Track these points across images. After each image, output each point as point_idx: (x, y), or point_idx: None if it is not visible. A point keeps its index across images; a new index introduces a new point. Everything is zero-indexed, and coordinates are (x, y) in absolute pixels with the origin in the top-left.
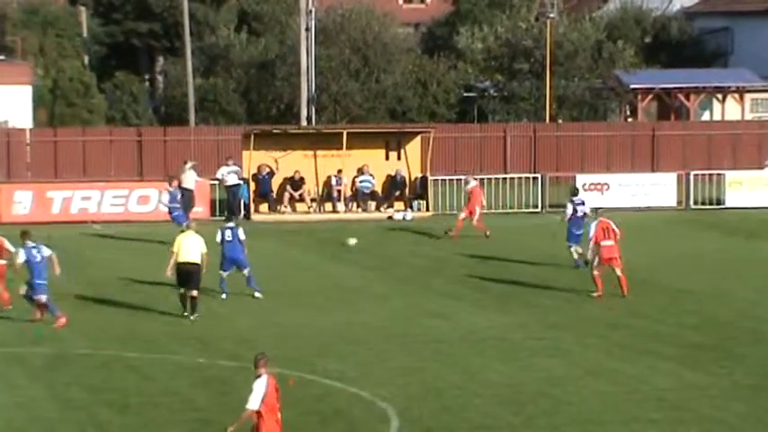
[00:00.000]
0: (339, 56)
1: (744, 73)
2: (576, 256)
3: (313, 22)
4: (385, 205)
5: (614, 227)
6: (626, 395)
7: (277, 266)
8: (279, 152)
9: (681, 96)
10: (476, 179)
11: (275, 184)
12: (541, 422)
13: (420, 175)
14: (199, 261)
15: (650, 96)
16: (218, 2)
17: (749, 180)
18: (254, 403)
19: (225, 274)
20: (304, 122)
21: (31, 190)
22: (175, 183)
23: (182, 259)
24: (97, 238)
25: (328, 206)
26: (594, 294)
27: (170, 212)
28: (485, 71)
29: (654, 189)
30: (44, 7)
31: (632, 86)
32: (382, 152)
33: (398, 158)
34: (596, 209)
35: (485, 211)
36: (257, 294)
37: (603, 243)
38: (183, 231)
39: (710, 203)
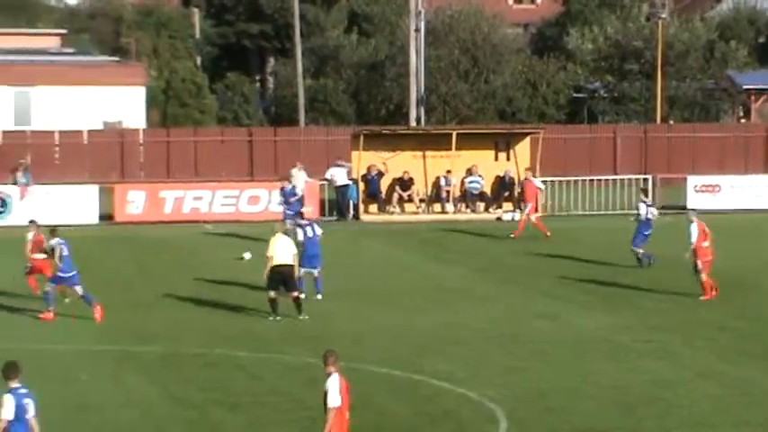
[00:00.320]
0: (448, 56)
1: None
2: (639, 255)
3: (422, 22)
4: (494, 206)
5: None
6: (736, 398)
7: (382, 267)
8: (388, 153)
9: None
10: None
11: (384, 184)
12: (651, 425)
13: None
14: (292, 262)
15: (764, 97)
16: (329, 3)
17: None
18: (335, 400)
19: (304, 271)
20: (413, 123)
21: (143, 190)
22: (287, 183)
23: (277, 262)
24: (210, 237)
25: (437, 207)
26: (704, 297)
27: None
28: (595, 72)
29: None
30: (158, 9)
31: (745, 87)
32: (491, 153)
33: (507, 159)
34: (692, 210)
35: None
36: (318, 296)
37: (704, 245)
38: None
39: None
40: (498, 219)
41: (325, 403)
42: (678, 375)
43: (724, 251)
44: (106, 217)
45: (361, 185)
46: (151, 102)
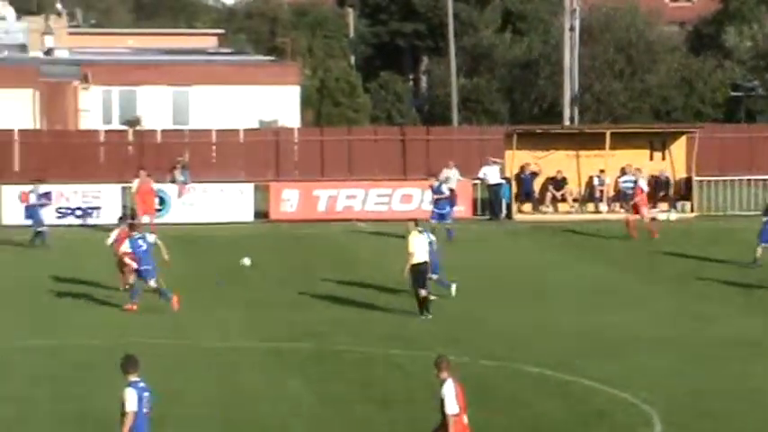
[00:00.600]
0: (603, 55)
1: None
2: (758, 254)
3: (577, 21)
4: (649, 205)
5: None
6: None
7: (534, 266)
8: (542, 152)
9: None
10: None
11: (537, 183)
12: None
13: (685, 176)
14: (429, 260)
15: None
16: (483, 2)
17: None
18: (453, 408)
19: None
20: (567, 122)
21: (297, 188)
22: (434, 180)
23: (417, 260)
24: (362, 236)
25: (590, 206)
26: None
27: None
28: (753, 70)
29: None
30: (314, 9)
31: None
32: (646, 152)
33: (663, 159)
34: None
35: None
36: (432, 297)
37: None
38: (411, 232)
39: None
40: (653, 218)
41: (442, 411)
42: None
43: None
44: (261, 215)
45: (515, 185)
46: (306, 101)
